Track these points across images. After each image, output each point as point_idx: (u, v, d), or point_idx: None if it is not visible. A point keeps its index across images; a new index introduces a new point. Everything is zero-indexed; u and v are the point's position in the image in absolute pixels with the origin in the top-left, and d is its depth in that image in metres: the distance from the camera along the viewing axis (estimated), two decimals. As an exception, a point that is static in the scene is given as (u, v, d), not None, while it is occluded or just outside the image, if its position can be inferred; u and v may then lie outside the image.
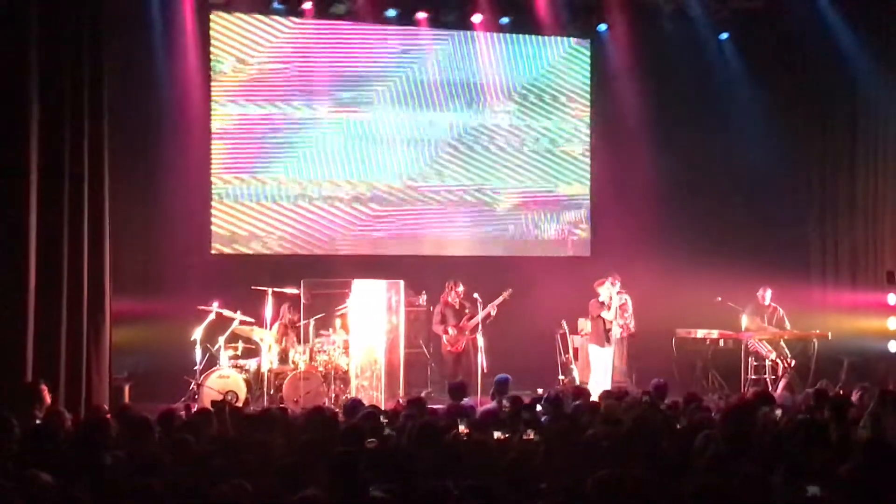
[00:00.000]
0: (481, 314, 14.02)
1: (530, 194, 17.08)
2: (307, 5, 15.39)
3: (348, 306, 13.67)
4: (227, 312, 13.43)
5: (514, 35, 16.87)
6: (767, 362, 14.78)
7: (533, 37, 16.97)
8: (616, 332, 14.35)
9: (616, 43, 17.11)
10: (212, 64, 15.44)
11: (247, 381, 13.18)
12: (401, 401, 11.83)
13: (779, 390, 13.83)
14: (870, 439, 7.42)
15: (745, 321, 14.87)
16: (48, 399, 9.56)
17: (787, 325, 15.02)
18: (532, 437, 8.31)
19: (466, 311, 14.22)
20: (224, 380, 13.02)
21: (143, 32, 14.65)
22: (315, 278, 14.16)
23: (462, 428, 8.25)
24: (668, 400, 10.55)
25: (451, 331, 14.18)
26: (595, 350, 14.36)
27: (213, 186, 15.48)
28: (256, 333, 13.60)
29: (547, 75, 17.16)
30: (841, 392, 11.58)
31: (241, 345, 13.61)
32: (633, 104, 16.99)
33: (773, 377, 14.72)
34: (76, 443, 7.46)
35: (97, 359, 11.70)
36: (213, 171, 15.48)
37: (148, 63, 14.72)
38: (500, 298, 14.14)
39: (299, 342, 13.68)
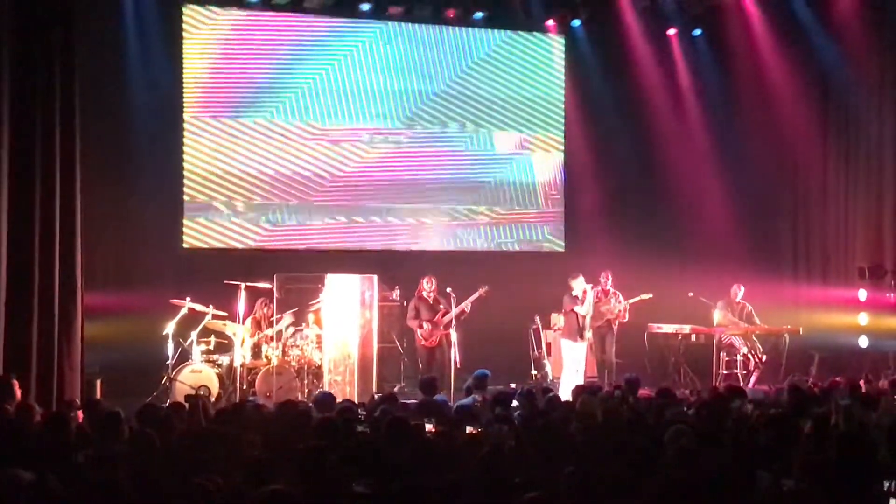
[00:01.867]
0: (455, 310, 13.99)
1: (504, 189, 17.08)
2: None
3: (322, 301, 13.63)
4: (199, 307, 13.37)
5: (488, 30, 16.88)
6: (739, 357, 14.87)
7: (508, 31, 16.99)
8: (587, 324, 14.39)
9: (591, 38, 17.15)
10: (184, 58, 15.36)
11: (219, 376, 13.14)
12: (375, 397, 11.82)
13: (750, 385, 13.92)
14: (843, 433, 7.47)
15: (716, 316, 14.96)
16: (18, 393, 9.50)
17: (757, 320, 15.11)
18: (504, 431, 8.30)
19: (441, 306, 14.19)
20: (196, 374, 12.98)
21: (114, 28, 14.59)
22: (288, 273, 14.12)
23: (429, 427, 8.22)
24: (639, 394, 10.59)
25: (425, 325, 14.15)
26: (567, 345, 14.35)
27: (184, 179, 15.40)
28: (229, 328, 13.55)
29: (522, 70, 17.17)
30: (812, 387, 11.65)
31: (213, 339, 13.55)
32: (608, 99, 17.08)
33: (745, 372, 14.81)
34: (43, 436, 7.41)
35: (69, 353, 11.64)
36: (185, 164, 15.39)
37: (119, 58, 14.65)
38: (476, 295, 14.11)
39: (272, 337, 13.63)
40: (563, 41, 17.37)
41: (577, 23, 17.03)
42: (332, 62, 16.14)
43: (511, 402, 9.75)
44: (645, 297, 14.87)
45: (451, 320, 13.98)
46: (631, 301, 14.83)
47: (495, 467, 6.39)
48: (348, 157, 16.23)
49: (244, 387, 13.18)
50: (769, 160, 17.03)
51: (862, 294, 15.45)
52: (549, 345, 15.27)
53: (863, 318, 15.44)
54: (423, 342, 14.20)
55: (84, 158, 12.06)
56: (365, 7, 15.89)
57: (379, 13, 16.08)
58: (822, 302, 16.00)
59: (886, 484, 6.32)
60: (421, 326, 14.17)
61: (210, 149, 15.54)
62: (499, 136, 17.07)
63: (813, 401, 9.41)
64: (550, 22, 16.95)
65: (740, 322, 15.05)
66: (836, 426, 8.12)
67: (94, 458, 6.51)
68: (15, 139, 11.24)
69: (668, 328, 15.25)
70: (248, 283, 13.57)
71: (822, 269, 16.51)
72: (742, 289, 15.19)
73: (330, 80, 16.12)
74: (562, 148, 17.41)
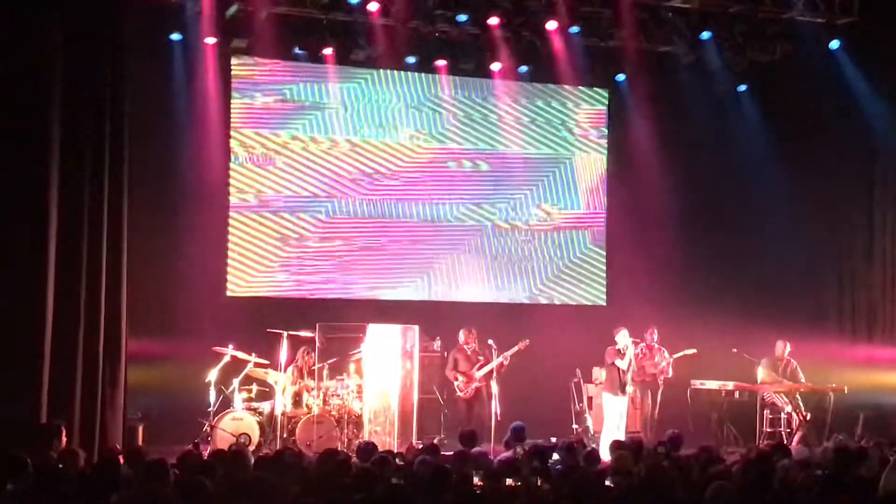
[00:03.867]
0: (494, 363, 13.99)
1: (548, 244, 17.08)
2: (328, 51, 15.46)
3: (363, 351, 13.66)
4: (241, 355, 13.44)
5: (533, 83, 16.99)
6: (783, 415, 14.71)
7: (552, 85, 17.09)
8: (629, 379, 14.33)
9: (635, 93, 17.18)
10: (231, 108, 15.56)
11: (260, 424, 13.17)
12: (417, 445, 11.79)
13: (794, 444, 13.74)
14: (892, 493, 7.36)
15: (760, 373, 14.84)
16: (64, 440, 9.56)
17: (801, 377, 14.97)
18: (543, 485, 8.25)
19: (480, 357, 14.19)
20: (237, 422, 13.02)
21: (165, 76, 14.78)
22: (330, 322, 14.18)
23: (476, 480, 8.17)
24: (682, 451, 10.48)
25: (459, 377, 14.16)
26: (609, 399, 14.30)
27: (230, 228, 15.53)
28: (271, 376, 13.61)
29: (566, 123, 17.25)
30: (858, 446, 11.48)
31: (255, 387, 13.60)
32: (651, 155, 17.05)
33: (789, 430, 14.65)
34: (87, 483, 7.45)
35: (112, 399, 11.73)
36: (230, 213, 15.54)
37: (169, 106, 14.85)
38: (515, 348, 14.10)
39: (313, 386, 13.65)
40: (606, 95, 17.44)
41: (621, 77, 17.07)
42: (379, 108, 16.31)
43: (549, 456, 9.67)
44: (689, 352, 14.83)
45: (490, 372, 13.96)
46: (676, 356, 14.77)
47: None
48: (392, 208, 16.33)
49: (284, 435, 13.21)
50: (815, 216, 16.88)
51: (909, 353, 15.27)
52: (590, 399, 15.20)
53: (909, 378, 15.24)
54: (459, 393, 14.21)
55: (131, 206, 12.21)
56: (411, 60, 16.02)
57: (425, 66, 16.22)
58: (868, 360, 15.81)
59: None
60: (456, 378, 14.18)
61: (255, 196, 15.68)
62: (541, 191, 17.10)
63: (858, 460, 9.27)
64: (594, 76, 16.98)
65: (784, 380, 14.91)
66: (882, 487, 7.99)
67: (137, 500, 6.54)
68: (63, 185, 11.41)
69: (711, 384, 15.11)
70: (291, 332, 13.65)
71: (867, 326, 16.32)
72: (788, 346, 15.06)
73: (373, 127, 16.27)
74: (605, 202, 17.40)
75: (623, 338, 14.22)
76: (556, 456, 9.85)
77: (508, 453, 10.38)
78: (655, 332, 14.90)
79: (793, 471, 8.66)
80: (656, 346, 14.93)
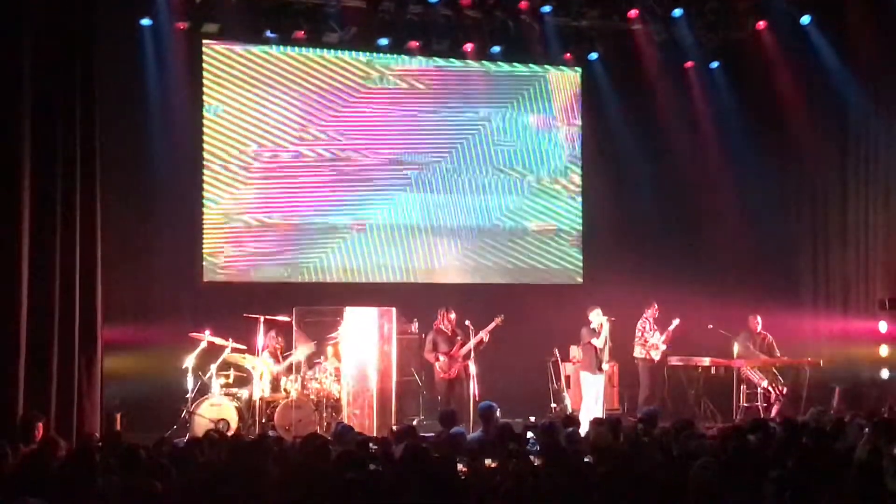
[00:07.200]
0: (473, 341, 14.01)
1: (522, 222, 17.10)
2: (299, 34, 15.38)
3: (340, 334, 13.65)
4: (218, 340, 13.39)
5: (506, 63, 16.97)
6: (759, 389, 14.81)
7: (525, 65, 17.07)
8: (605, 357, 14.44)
9: (608, 71, 17.19)
10: (204, 93, 15.46)
11: (238, 410, 13.14)
12: (393, 428, 11.80)
13: (772, 416, 13.84)
14: (865, 464, 7.41)
15: (736, 349, 14.91)
16: (41, 431, 9.49)
17: (777, 352, 15.08)
18: (524, 464, 8.26)
19: (458, 338, 14.20)
20: (216, 408, 12.98)
21: (135, 62, 14.67)
22: (307, 306, 14.15)
23: (461, 467, 8.15)
24: (659, 427, 10.53)
25: (442, 358, 14.16)
26: (586, 377, 14.37)
27: (204, 214, 15.46)
28: (248, 361, 13.57)
29: (538, 104, 17.24)
30: (833, 419, 11.56)
31: (232, 373, 13.55)
32: (626, 133, 17.09)
33: (766, 404, 14.74)
34: (66, 470, 7.42)
35: (89, 387, 11.67)
36: (205, 198, 15.46)
37: (140, 91, 14.75)
38: (492, 325, 14.13)
39: (289, 370, 13.61)
40: (580, 74, 17.44)
41: (594, 56, 17.06)
42: (352, 101, 16.24)
43: (521, 436, 9.68)
44: (675, 322, 14.96)
45: (469, 351, 13.99)
46: (670, 329, 14.91)
47: (515, 500, 6.37)
48: (370, 192, 16.29)
49: (263, 420, 13.19)
50: (788, 191, 16.98)
51: (883, 326, 15.34)
52: (567, 377, 15.25)
53: (884, 350, 15.32)
54: (441, 374, 14.20)
55: (104, 192, 12.15)
56: (383, 42, 15.95)
57: (397, 47, 16.15)
58: (843, 334, 15.90)
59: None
60: (438, 359, 14.18)
61: (230, 183, 15.61)
62: (514, 169, 17.10)
63: (834, 433, 9.34)
64: (567, 55, 16.97)
65: (760, 354, 15.00)
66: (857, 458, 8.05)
67: (118, 489, 6.52)
68: (35, 172, 11.32)
69: (687, 360, 15.20)
70: (268, 316, 13.62)
71: (842, 300, 16.40)
72: (759, 318, 15.16)
73: (350, 116, 16.22)
74: (579, 181, 17.42)
75: (597, 316, 14.29)
76: (531, 434, 9.88)
77: (478, 433, 10.40)
78: (655, 306, 15.01)
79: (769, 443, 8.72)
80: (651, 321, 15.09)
